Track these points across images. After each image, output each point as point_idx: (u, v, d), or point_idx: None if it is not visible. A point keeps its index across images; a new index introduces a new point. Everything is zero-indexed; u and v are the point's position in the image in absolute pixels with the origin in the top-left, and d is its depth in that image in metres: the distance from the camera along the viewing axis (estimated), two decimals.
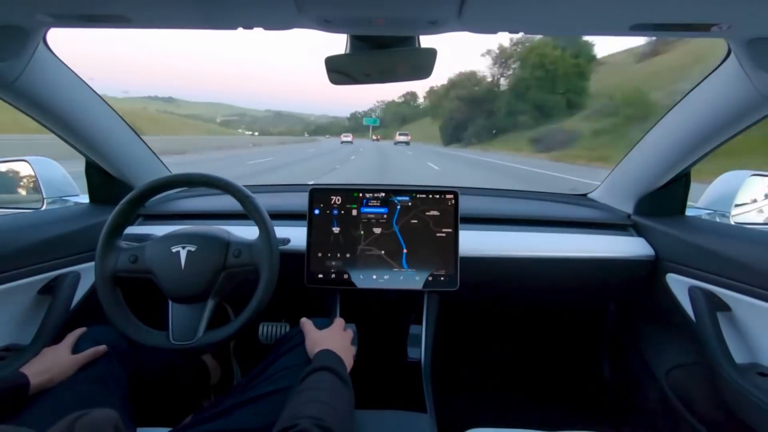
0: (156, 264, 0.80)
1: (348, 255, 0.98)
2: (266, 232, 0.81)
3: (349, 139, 42.55)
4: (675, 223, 1.03)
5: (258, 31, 0.62)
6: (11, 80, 0.73)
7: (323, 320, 0.83)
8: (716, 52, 0.76)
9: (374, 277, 0.97)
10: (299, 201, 1.03)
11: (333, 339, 0.75)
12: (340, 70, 0.75)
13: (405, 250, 0.97)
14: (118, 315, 0.79)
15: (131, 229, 1.05)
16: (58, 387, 0.69)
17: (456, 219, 0.98)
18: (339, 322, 0.83)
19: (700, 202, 1.18)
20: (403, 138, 36.99)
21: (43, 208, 1.11)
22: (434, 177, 10.17)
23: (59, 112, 0.87)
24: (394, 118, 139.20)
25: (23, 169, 1.15)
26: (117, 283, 0.80)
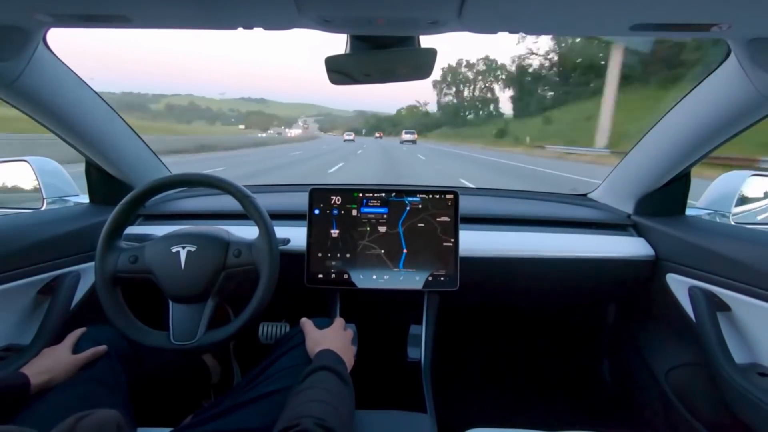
0: (156, 264, 0.80)
1: (348, 255, 0.98)
2: (266, 232, 0.81)
3: (351, 137, 44.04)
4: (675, 223, 1.03)
5: (258, 31, 0.62)
6: (11, 80, 0.73)
7: (323, 320, 0.83)
8: None
9: (374, 277, 0.97)
10: (299, 201, 1.03)
11: (333, 339, 0.75)
12: (340, 70, 0.75)
13: (405, 251, 0.98)
14: (118, 315, 0.79)
15: (131, 229, 1.05)
16: (59, 387, 0.69)
17: (456, 219, 0.98)
18: (339, 321, 0.82)
19: (700, 202, 1.18)
20: (409, 137, 37.45)
21: (43, 208, 1.11)
22: None
23: (59, 112, 0.87)
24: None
25: (23, 169, 1.15)
26: (117, 283, 0.80)
